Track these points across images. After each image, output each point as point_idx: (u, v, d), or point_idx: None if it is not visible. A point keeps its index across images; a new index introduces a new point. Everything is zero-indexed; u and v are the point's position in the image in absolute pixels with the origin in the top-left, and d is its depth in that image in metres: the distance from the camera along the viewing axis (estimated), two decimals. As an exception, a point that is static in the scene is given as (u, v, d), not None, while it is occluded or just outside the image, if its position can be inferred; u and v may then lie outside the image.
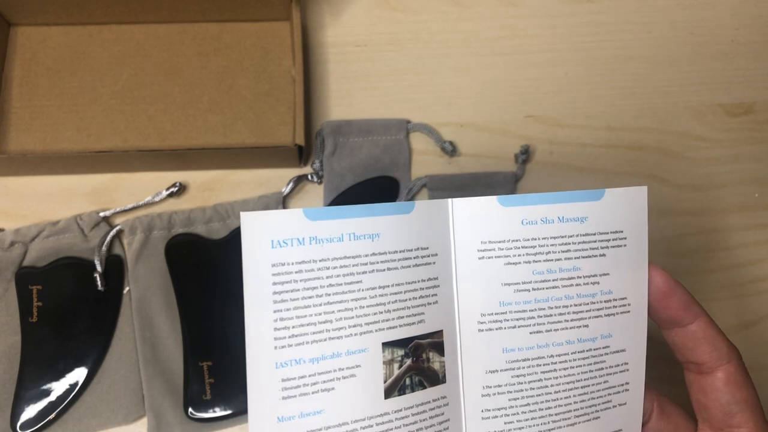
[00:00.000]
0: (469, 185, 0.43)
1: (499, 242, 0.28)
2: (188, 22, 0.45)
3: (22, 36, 0.44)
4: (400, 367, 0.26)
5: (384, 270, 0.26)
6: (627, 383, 0.29)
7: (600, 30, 0.50)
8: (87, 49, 0.44)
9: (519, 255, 0.28)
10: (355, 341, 0.26)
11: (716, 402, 0.28)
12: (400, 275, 0.27)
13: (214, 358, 0.38)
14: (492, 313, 0.28)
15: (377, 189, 0.43)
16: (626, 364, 0.29)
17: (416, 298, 0.27)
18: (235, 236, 0.40)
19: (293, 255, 0.25)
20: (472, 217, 0.28)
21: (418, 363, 0.27)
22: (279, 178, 0.43)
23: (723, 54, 0.50)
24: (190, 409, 0.37)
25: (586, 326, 0.28)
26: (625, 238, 0.29)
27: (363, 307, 0.26)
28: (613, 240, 0.28)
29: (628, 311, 0.29)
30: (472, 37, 0.48)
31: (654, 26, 0.50)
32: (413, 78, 0.47)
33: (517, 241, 0.28)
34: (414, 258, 0.27)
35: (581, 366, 0.28)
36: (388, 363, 0.26)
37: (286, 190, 0.42)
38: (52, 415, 0.37)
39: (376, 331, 0.26)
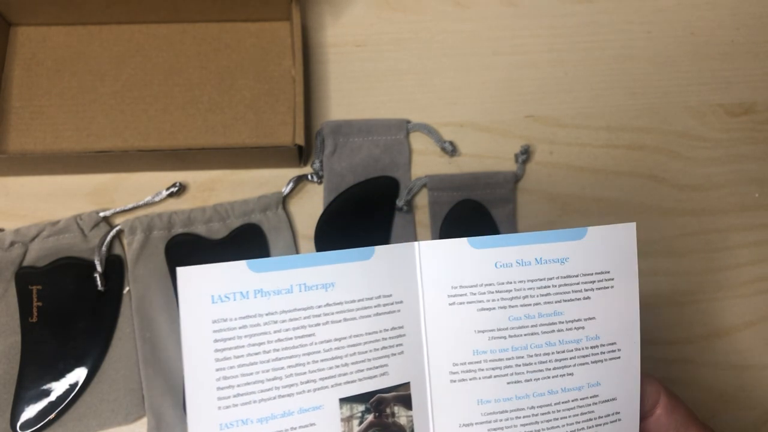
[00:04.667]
0: (469, 185, 0.43)
1: (471, 287, 0.26)
2: (188, 22, 0.45)
3: (22, 36, 0.44)
4: (360, 423, 0.25)
5: (340, 321, 0.25)
6: None
7: (600, 30, 0.50)
8: (87, 49, 0.44)
9: (493, 300, 0.26)
10: (309, 398, 0.24)
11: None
12: (358, 326, 0.25)
13: (214, 358, 0.38)
14: (465, 363, 0.26)
15: (377, 189, 0.43)
16: (617, 413, 0.27)
17: (378, 350, 0.25)
18: (235, 236, 0.40)
19: (236, 310, 0.23)
20: (442, 261, 0.26)
21: (382, 418, 0.25)
22: (279, 178, 0.43)
23: (723, 54, 0.50)
24: (190, 409, 0.37)
25: (571, 374, 0.27)
26: (613, 279, 0.27)
27: (317, 361, 0.24)
28: (598, 281, 0.27)
29: (618, 357, 0.27)
30: (472, 37, 0.48)
31: (654, 26, 0.50)
32: (413, 78, 0.47)
33: (490, 285, 0.26)
34: (375, 307, 0.25)
35: (567, 417, 0.27)
36: (347, 420, 0.25)
37: (286, 190, 0.42)
38: (52, 415, 0.36)
39: (332, 386, 0.25)
